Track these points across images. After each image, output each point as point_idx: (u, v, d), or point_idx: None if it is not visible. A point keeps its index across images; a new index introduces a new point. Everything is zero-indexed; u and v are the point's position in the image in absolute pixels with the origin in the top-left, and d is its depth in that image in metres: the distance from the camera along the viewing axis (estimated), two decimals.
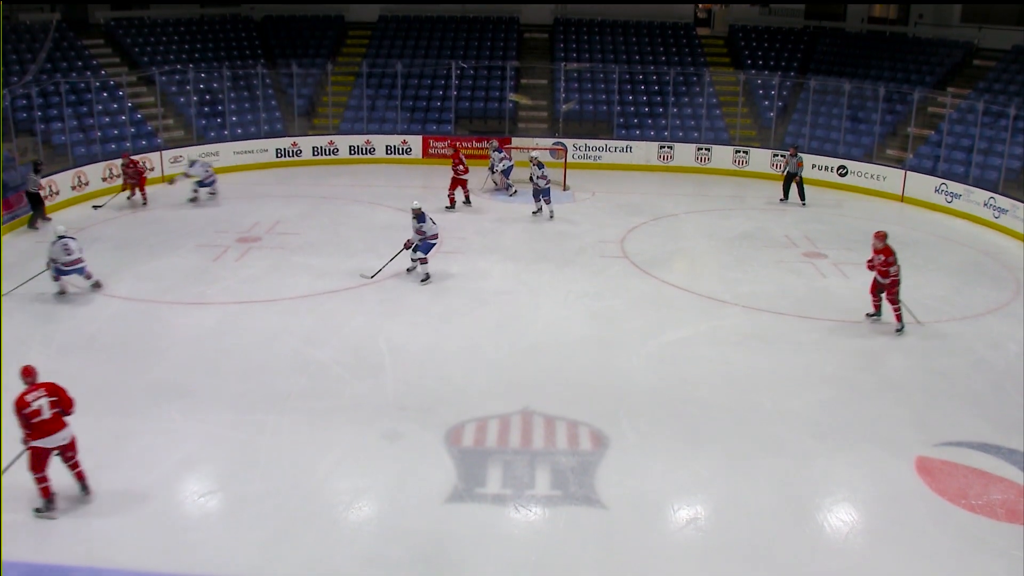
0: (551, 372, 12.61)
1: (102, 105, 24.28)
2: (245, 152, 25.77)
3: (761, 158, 26.16)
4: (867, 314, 14.85)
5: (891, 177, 23.87)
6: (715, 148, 26.68)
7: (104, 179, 22.28)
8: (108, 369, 12.42)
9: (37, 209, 19.37)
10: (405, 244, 16.30)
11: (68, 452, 9.16)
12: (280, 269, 16.77)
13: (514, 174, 23.14)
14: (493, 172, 23.04)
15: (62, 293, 15.15)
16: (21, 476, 8.99)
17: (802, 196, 22.60)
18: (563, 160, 24.63)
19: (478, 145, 26.53)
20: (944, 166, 23.36)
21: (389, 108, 28.04)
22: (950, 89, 25.66)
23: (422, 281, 16.09)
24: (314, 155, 26.68)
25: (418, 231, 16.08)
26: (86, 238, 18.17)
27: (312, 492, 9.56)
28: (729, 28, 32.13)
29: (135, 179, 21.41)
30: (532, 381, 12.26)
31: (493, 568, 8.44)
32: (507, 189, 22.42)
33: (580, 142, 26.88)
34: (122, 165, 21.67)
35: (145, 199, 21.45)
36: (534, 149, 24.29)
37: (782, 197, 22.89)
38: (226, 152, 25.35)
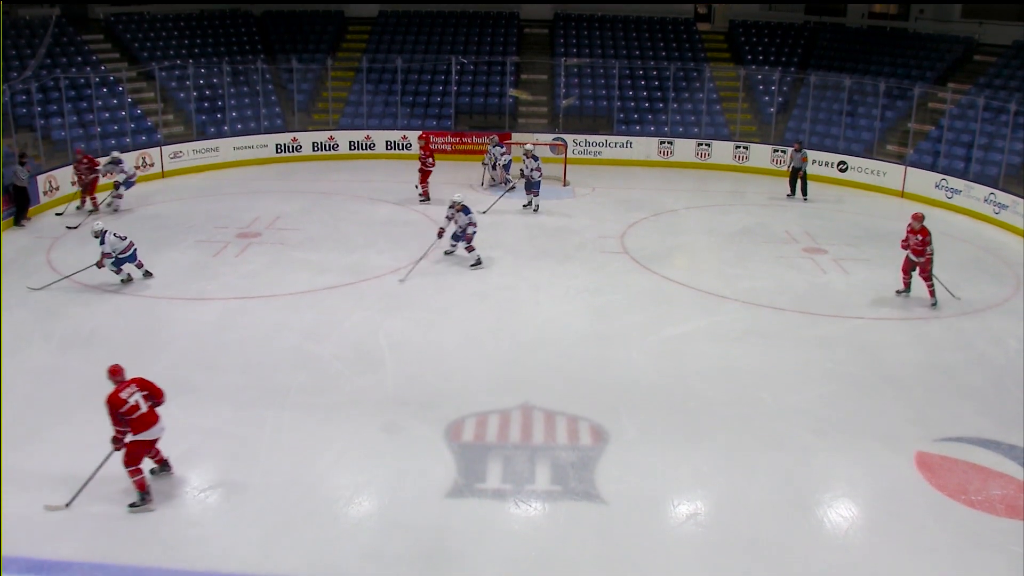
0: (551, 367, 12.61)
1: (102, 101, 24.25)
2: (245, 147, 25.75)
3: (761, 154, 26.14)
4: (897, 291, 15.80)
5: (891, 173, 23.86)
6: (715, 144, 26.65)
7: (104, 175, 22.23)
8: (108, 364, 12.38)
9: (22, 205, 19.01)
10: (438, 233, 17.06)
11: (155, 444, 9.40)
12: (280, 265, 16.77)
13: (512, 169, 23.11)
14: (495, 167, 23.00)
15: (128, 280, 15.55)
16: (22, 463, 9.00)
17: (804, 192, 22.59)
18: (563, 156, 24.62)
19: (478, 140, 26.53)
20: (944, 162, 23.34)
21: (389, 104, 28.02)
22: (950, 84, 25.65)
23: (472, 265, 16.77)
24: (314, 151, 26.66)
25: (470, 223, 16.72)
26: (86, 234, 18.16)
27: (312, 487, 9.57)
28: (729, 23, 32.07)
29: (88, 181, 20.17)
30: (532, 376, 12.26)
31: (493, 563, 8.45)
32: (505, 184, 22.41)
33: (580, 137, 26.85)
34: (75, 163, 20.43)
35: (96, 205, 20.30)
36: (536, 144, 24.29)
37: (789, 192, 22.86)
38: (226, 147, 25.34)
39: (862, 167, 24.56)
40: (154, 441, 9.26)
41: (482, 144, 25.59)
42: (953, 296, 15.73)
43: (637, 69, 29.34)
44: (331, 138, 26.81)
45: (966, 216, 21.59)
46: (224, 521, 8.99)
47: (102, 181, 20.70)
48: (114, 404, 8.91)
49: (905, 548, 8.76)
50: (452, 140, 27.00)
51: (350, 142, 26.91)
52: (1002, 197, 20.90)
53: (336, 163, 26.19)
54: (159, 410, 9.29)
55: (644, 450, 10.45)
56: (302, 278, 15.98)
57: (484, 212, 19.92)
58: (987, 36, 27.64)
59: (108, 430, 10.45)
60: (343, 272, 16.31)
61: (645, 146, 26.89)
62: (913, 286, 15.66)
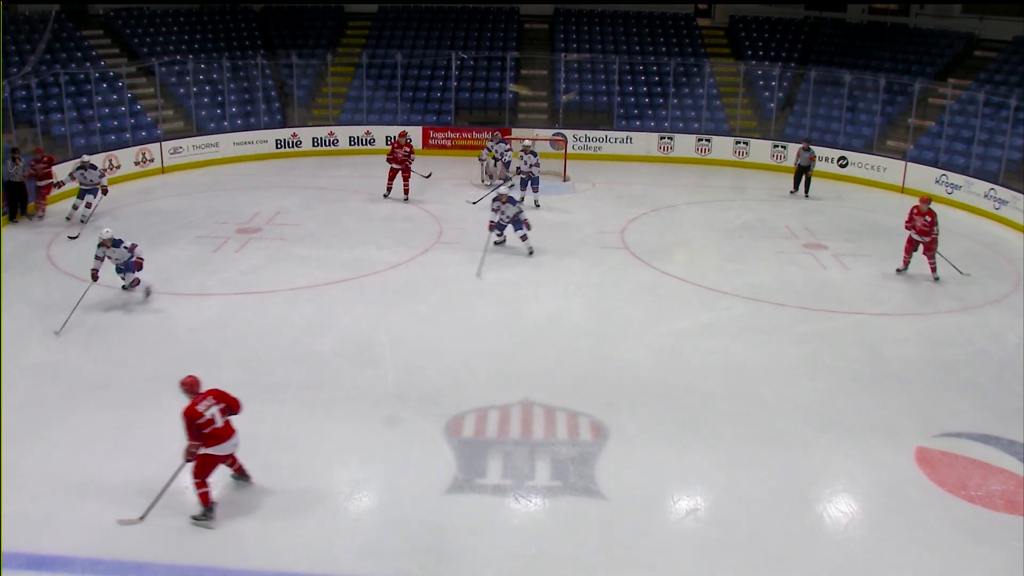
0: (551, 363, 12.62)
1: (102, 96, 24.21)
2: (245, 143, 25.75)
3: (761, 149, 26.14)
4: (897, 269, 16.70)
5: (891, 168, 23.86)
6: (715, 139, 26.65)
7: (104, 171, 22.17)
8: (108, 360, 12.42)
9: (16, 200, 18.73)
10: (489, 227, 17.26)
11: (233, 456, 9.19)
12: (280, 260, 16.77)
13: (512, 165, 23.11)
14: (495, 164, 22.96)
15: (148, 293, 14.60)
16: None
17: (807, 190, 22.51)
18: (563, 151, 24.61)
19: (478, 136, 26.52)
20: (944, 157, 23.34)
21: (389, 99, 28.01)
22: (951, 80, 25.61)
23: (529, 254, 17.16)
24: (314, 146, 26.66)
25: (519, 212, 17.05)
26: (85, 229, 18.17)
27: (312, 482, 9.57)
28: (729, 19, 32.05)
29: (44, 183, 18.99)
30: (532, 371, 12.27)
31: (493, 559, 8.45)
32: (505, 181, 22.38)
33: (580, 133, 26.85)
34: (34, 162, 18.89)
35: (43, 211, 19.17)
36: (535, 140, 24.28)
37: (792, 189, 22.74)
38: (226, 143, 25.33)
39: (862, 163, 24.56)
40: (226, 456, 9.05)
41: (482, 140, 25.58)
42: (961, 272, 16.59)
43: (637, 64, 29.32)
44: (331, 134, 26.80)
45: (966, 212, 21.59)
46: (223, 516, 8.98)
47: (68, 187, 19.34)
48: (191, 417, 8.68)
49: (905, 543, 8.76)
50: (452, 136, 26.98)
51: (350, 138, 26.90)
52: (1002, 193, 20.90)
53: (336, 159, 26.20)
54: (235, 420, 9.07)
55: (644, 446, 10.46)
56: (302, 273, 15.98)
57: (474, 203, 20.07)
58: (987, 32, 27.63)
59: (108, 426, 10.55)
60: (343, 267, 16.31)
61: (645, 141, 26.89)
62: (913, 267, 16.06)
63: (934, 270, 16.39)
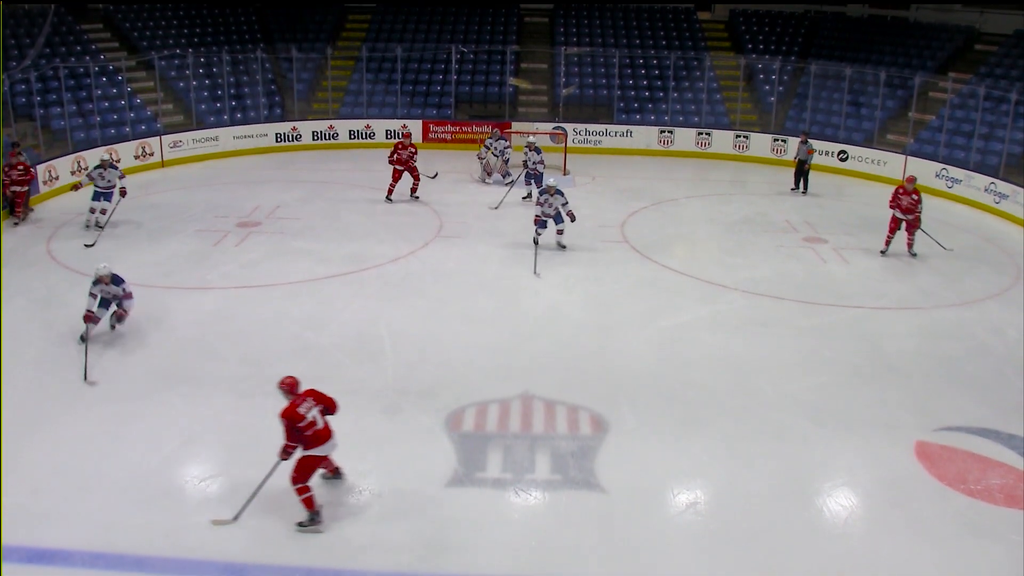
0: (551, 356, 12.62)
1: (101, 90, 24.19)
2: (244, 137, 25.72)
3: (762, 143, 26.12)
4: (881, 251, 17.29)
5: (892, 162, 23.84)
6: (715, 133, 26.63)
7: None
8: (108, 354, 12.42)
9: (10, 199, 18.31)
10: (535, 221, 16.91)
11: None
12: (280, 254, 16.76)
13: (513, 160, 23.06)
14: (496, 158, 22.91)
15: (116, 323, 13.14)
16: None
17: (805, 185, 22.43)
18: (563, 145, 24.59)
19: (478, 130, 26.51)
20: (945, 151, 23.31)
21: (389, 92, 27.99)
22: (951, 74, 25.59)
23: (561, 247, 17.08)
24: (314, 140, 26.64)
25: (564, 205, 16.83)
26: (84, 223, 18.18)
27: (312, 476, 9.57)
28: (730, 12, 31.98)
29: (16, 191, 17.93)
30: (532, 365, 12.27)
31: (493, 552, 8.46)
32: (505, 177, 22.35)
33: (580, 126, 26.83)
34: (6, 167, 17.62)
35: (24, 215, 18.38)
36: (534, 134, 24.26)
37: (793, 187, 22.58)
38: (225, 137, 25.31)
39: (863, 156, 24.54)
40: (326, 457, 8.93)
41: (482, 134, 25.56)
42: (944, 248, 17.43)
43: (637, 58, 29.28)
44: (331, 127, 26.79)
45: (966, 206, 21.57)
46: (224, 509, 8.99)
47: (83, 188, 18.46)
48: (292, 419, 8.52)
49: (904, 537, 8.77)
50: (452, 129, 26.96)
51: (350, 131, 26.88)
52: (1002, 187, 20.88)
53: (336, 152, 26.18)
54: (332, 421, 8.94)
55: (644, 439, 10.46)
56: (302, 267, 15.98)
57: (495, 208, 19.98)
58: (988, 25, 27.57)
59: (109, 420, 10.56)
60: (343, 261, 16.30)
61: (645, 135, 26.87)
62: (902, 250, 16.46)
63: (911, 246, 17.23)
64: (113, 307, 12.79)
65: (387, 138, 26.73)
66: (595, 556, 8.44)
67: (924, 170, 22.94)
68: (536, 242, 16.92)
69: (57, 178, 20.72)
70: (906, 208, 16.98)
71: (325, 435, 8.74)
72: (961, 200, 21.83)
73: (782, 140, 25.60)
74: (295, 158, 25.39)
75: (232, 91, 26.58)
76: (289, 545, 8.41)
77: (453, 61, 28.21)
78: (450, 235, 18.03)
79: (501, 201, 20.43)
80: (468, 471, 9.71)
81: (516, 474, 9.67)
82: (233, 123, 25.96)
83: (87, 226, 17.87)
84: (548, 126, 26.52)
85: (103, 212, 17.95)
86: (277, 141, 26.21)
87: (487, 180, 22.68)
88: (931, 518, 9.09)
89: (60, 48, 25.11)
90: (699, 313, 14.44)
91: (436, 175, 21.17)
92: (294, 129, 26.46)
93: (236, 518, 8.66)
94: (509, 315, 14.17)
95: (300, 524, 8.66)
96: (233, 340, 12.97)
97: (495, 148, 22.77)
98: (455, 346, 12.92)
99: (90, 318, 12.37)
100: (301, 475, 8.67)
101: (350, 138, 26.83)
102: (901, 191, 17.17)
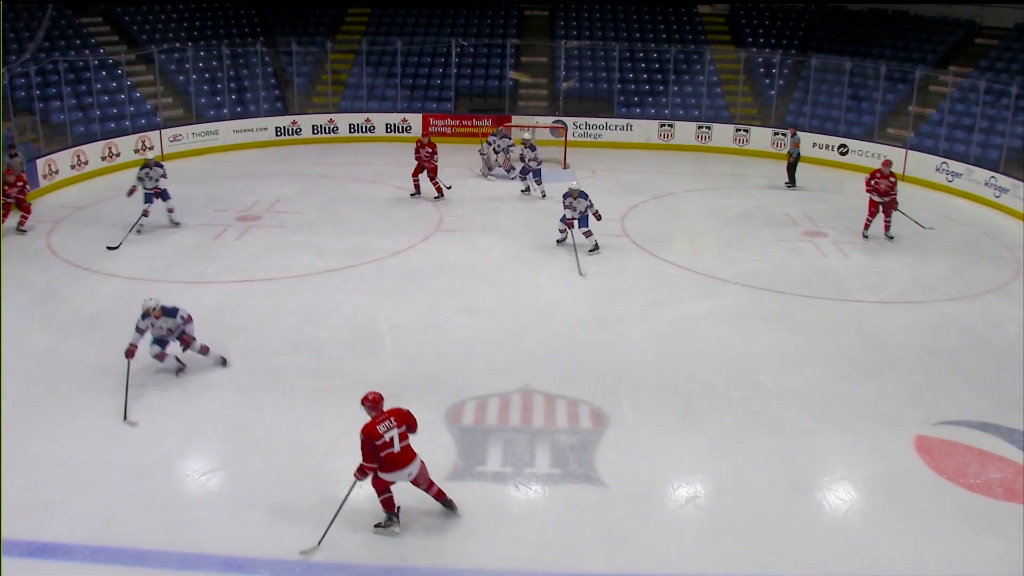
0: (551, 350, 12.62)
1: (101, 84, 24.16)
2: (244, 131, 25.71)
3: (762, 137, 26.10)
4: (863, 235, 17.94)
5: (892, 156, 23.65)
6: (716, 126, 26.61)
7: (104, 158, 22.21)
8: (109, 348, 12.38)
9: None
10: (565, 222, 16.77)
11: (422, 480, 8.58)
12: (280, 248, 16.76)
13: (513, 152, 23.04)
14: (497, 155, 22.88)
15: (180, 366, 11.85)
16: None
17: (792, 180, 22.38)
18: (563, 138, 24.57)
19: (478, 123, 26.49)
20: (945, 145, 23.30)
21: (389, 86, 27.96)
22: (952, 68, 25.55)
23: (590, 251, 16.61)
24: (314, 133, 26.62)
25: (589, 207, 16.57)
26: (85, 217, 18.21)
27: (312, 470, 9.58)
28: (730, 6, 31.94)
29: (15, 198, 17.31)
30: (532, 359, 12.27)
31: (493, 546, 8.46)
32: (509, 172, 22.34)
33: (580, 120, 26.80)
34: (7, 186, 17.00)
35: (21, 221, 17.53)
36: (535, 128, 24.26)
37: (787, 181, 22.54)
38: (225, 131, 25.30)
39: (863, 150, 24.51)
40: (392, 481, 8.47)
41: (482, 127, 25.54)
42: (924, 228, 18.24)
43: (637, 51, 29.26)
44: (331, 121, 26.76)
45: (966, 199, 21.56)
46: (224, 504, 9.01)
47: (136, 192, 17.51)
48: (371, 436, 8.18)
49: (904, 531, 8.77)
50: (452, 123, 26.93)
51: (350, 125, 26.86)
52: (1003, 181, 20.86)
53: (336, 146, 26.17)
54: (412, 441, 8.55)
55: (644, 433, 10.46)
56: (302, 261, 15.97)
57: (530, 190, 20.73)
58: (989, 19, 27.52)
59: (109, 413, 10.55)
60: (343, 255, 16.30)
61: (645, 129, 26.85)
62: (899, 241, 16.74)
63: (888, 228, 17.86)
64: (172, 343, 11.46)
65: (387, 132, 26.79)
66: (595, 550, 8.44)
67: (924, 164, 22.98)
68: (559, 242, 17.00)
69: (57, 172, 20.72)
70: (883, 191, 17.56)
71: (402, 460, 8.34)
72: (961, 194, 21.82)
73: (782, 134, 25.55)
74: (295, 152, 25.37)
75: (232, 85, 26.55)
76: (289, 540, 8.40)
77: (453, 55, 28.17)
78: (450, 229, 18.02)
79: (541, 190, 20.66)
80: (468, 465, 9.72)
81: (516, 468, 9.68)
82: (233, 117, 25.96)
83: (138, 231, 17.25)
84: (548, 120, 26.50)
85: (144, 215, 17.40)
86: (277, 135, 26.19)
87: (488, 175, 22.64)
88: (930, 512, 9.09)
89: (60, 42, 25.06)
90: (699, 307, 14.44)
91: (451, 187, 21.01)
92: (294, 123, 26.44)
93: (320, 544, 8.29)
94: (509, 309, 14.17)
95: (377, 526, 8.55)
96: (233, 334, 12.95)
97: (496, 144, 22.75)
98: (455, 340, 12.93)
99: (132, 353, 11.05)
100: (375, 485, 8.47)
101: (350, 132, 26.82)
102: (878, 174, 17.73)
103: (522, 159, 20.83)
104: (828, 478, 9.74)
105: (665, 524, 8.90)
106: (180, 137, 24.34)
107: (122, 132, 23.26)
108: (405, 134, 26.63)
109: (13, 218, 17.42)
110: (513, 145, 22.97)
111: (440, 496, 8.74)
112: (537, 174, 20.53)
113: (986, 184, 21.28)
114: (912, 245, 17.59)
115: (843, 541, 8.64)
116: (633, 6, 31.34)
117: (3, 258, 14.87)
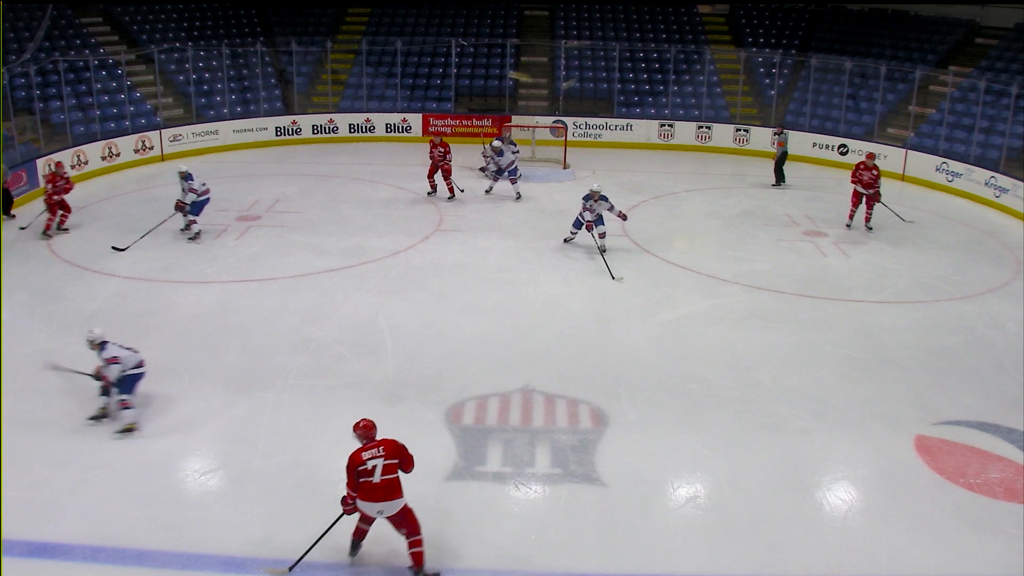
0: (551, 350, 12.62)
1: (101, 84, 24.15)
2: (244, 130, 25.69)
3: (762, 136, 26.05)
4: (847, 225, 18.58)
5: (892, 156, 23.78)
6: (716, 126, 26.60)
7: (104, 158, 22.20)
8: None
9: (7, 199, 18.19)
10: (586, 226, 16.68)
11: (398, 524, 8.05)
12: (280, 247, 16.76)
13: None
14: (489, 148, 22.81)
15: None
16: None
17: (780, 178, 22.38)
18: (563, 138, 24.56)
19: (478, 123, 26.48)
20: (945, 145, 23.28)
21: (389, 86, 27.94)
22: (952, 67, 25.54)
23: (601, 252, 16.50)
24: (314, 133, 26.60)
25: (610, 208, 16.60)
26: (86, 216, 18.19)
27: (312, 469, 9.59)
28: (730, 6, 31.93)
29: (61, 193, 17.25)
30: (532, 359, 12.27)
31: (493, 545, 8.47)
32: (484, 170, 22.31)
33: (580, 120, 26.78)
34: (50, 174, 17.36)
35: (63, 222, 17.55)
36: (535, 127, 24.25)
37: (773, 183, 22.42)
38: (225, 131, 25.28)
39: (863, 150, 24.39)
40: (374, 518, 8.04)
41: (483, 127, 25.51)
42: (904, 220, 18.75)
43: (637, 51, 29.24)
44: (331, 121, 26.75)
45: (966, 199, 21.55)
46: (225, 503, 9.01)
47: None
48: (354, 462, 7.84)
49: (904, 530, 8.78)
50: (452, 123, 26.92)
51: (350, 125, 26.85)
52: (1003, 180, 20.86)
53: (336, 146, 26.16)
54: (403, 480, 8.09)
55: (644, 432, 10.47)
56: (302, 261, 15.97)
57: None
58: (989, 19, 27.52)
59: (113, 414, 10.55)
60: (343, 255, 16.30)
61: (645, 129, 26.84)
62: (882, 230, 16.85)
63: (869, 219, 18.41)
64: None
65: (387, 132, 26.77)
66: (595, 549, 8.45)
67: (924, 164, 22.97)
68: (567, 241, 17.09)
69: None
70: (867, 183, 18.11)
71: (378, 494, 7.81)
72: (961, 194, 21.81)
73: (775, 133, 25.53)
74: (295, 152, 25.36)
75: (232, 85, 26.54)
76: (289, 540, 8.40)
77: (453, 54, 28.16)
78: (450, 229, 18.02)
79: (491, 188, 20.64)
80: (468, 464, 9.73)
81: (516, 468, 9.69)
82: (233, 117, 25.93)
83: (194, 238, 17.00)
84: (548, 120, 26.50)
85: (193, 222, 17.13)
86: (277, 135, 26.17)
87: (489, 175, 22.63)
88: (930, 511, 9.10)
89: (60, 42, 25.05)
90: (699, 306, 14.44)
91: (463, 190, 20.93)
92: (294, 123, 26.43)
93: (291, 569, 8.10)
94: (509, 308, 14.17)
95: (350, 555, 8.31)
96: (233, 333, 12.97)
97: (499, 148, 22.66)
98: (455, 339, 12.93)
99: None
100: (350, 512, 8.12)
101: (350, 132, 26.80)
102: (862, 167, 18.30)
103: (489, 159, 20.78)
104: (828, 477, 9.75)
105: (665, 524, 8.91)
106: (180, 137, 24.33)
107: (122, 132, 23.25)
108: (405, 134, 26.65)
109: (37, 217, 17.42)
110: (519, 152, 22.84)
111: (413, 555, 8.04)
112: (513, 172, 20.39)
113: (986, 184, 21.28)
114: (912, 245, 17.59)
115: (843, 541, 8.65)
116: (633, 6, 31.33)
117: (3, 258, 14.86)
